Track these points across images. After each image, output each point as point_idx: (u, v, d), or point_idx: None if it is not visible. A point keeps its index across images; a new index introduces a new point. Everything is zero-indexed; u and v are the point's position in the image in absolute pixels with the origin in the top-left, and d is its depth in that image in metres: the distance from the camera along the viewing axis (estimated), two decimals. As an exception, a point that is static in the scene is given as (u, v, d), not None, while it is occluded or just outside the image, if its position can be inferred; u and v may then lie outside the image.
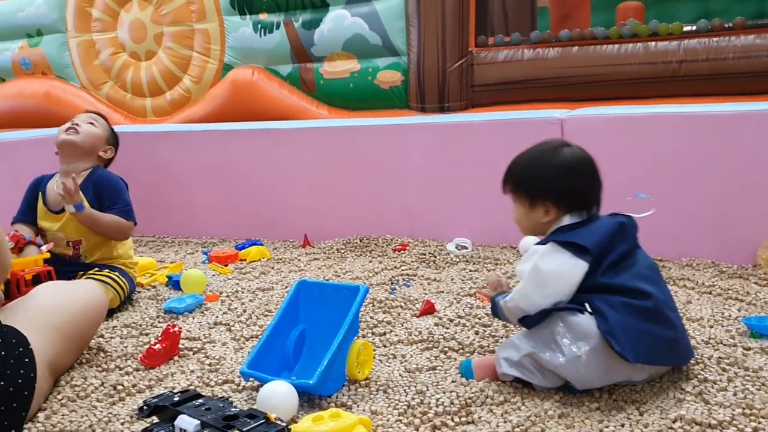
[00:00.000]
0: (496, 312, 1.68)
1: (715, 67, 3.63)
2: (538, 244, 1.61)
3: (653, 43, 3.74)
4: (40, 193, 2.44)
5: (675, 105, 2.78)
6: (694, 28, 3.72)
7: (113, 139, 2.59)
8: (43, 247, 2.31)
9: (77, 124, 2.46)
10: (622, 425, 1.40)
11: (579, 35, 3.77)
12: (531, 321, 1.56)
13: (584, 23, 4.86)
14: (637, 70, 3.73)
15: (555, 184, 1.61)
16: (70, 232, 2.35)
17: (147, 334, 2.06)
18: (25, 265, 2.11)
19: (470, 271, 2.57)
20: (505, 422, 1.43)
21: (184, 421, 1.29)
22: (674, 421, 1.39)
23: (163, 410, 1.37)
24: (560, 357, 1.49)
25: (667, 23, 3.53)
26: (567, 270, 1.53)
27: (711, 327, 1.89)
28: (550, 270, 1.53)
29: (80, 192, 2.28)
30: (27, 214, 2.46)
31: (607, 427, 1.40)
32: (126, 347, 1.95)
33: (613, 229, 1.58)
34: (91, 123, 2.50)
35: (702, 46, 3.64)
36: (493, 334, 1.92)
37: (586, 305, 1.50)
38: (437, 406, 1.51)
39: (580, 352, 1.47)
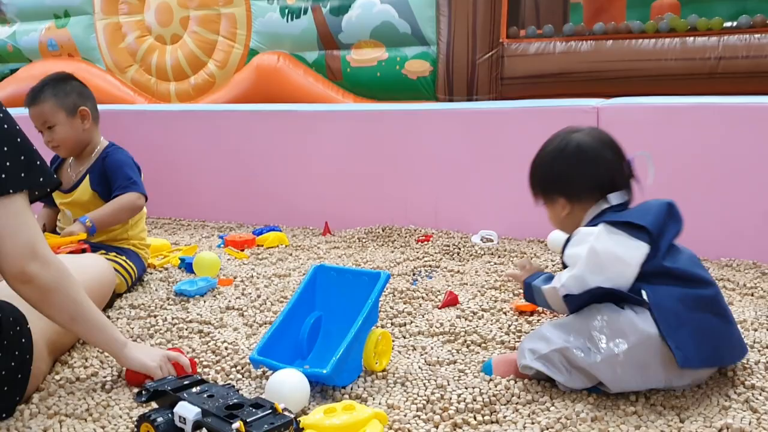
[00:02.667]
0: (531, 296, 1.56)
1: (755, 65, 3.49)
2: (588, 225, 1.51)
3: (691, 38, 3.60)
4: None
5: (717, 97, 2.64)
6: (734, 24, 3.59)
7: (75, 98, 2.29)
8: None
9: (49, 140, 2.28)
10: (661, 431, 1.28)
11: (614, 28, 3.65)
12: (577, 300, 1.42)
13: (619, 18, 4.72)
14: (674, 66, 3.59)
15: (581, 177, 1.54)
16: (78, 211, 2.28)
17: (155, 316, 1.97)
18: (62, 243, 2.04)
19: (495, 264, 2.45)
20: (532, 423, 1.32)
21: (184, 408, 1.20)
22: (720, 430, 1.27)
23: (162, 396, 1.28)
24: (597, 355, 1.37)
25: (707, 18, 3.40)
26: (627, 252, 1.40)
27: (755, 330, 1.76)
28: (608, 251, 1.40)
29: (71, 232, 2.14)
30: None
31: (637, 429, 1.28)
32: (132, 329, 1.86)
33: (665, 209, 1.48)
34: (50, 127, 2.26)
35: (742, 42, 3.50)
36: (518, 328, 1.81)
37: (643, 293, 1.37)
38: (459, 402, 1.40)
39: (618, 350, 1.35)
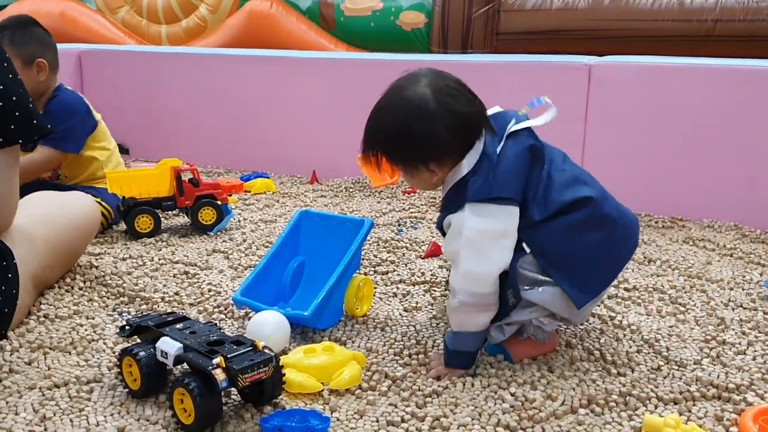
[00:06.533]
0: (457, 348, 1.33)
1: (751, 29, 3.48)
2: (448, 210, 1.34)
3: (689, -1, 3.58)
4: None
5: (705, 58, 2.63)
6: (733, -14, 3.56)
7: (34, 47, 2.20)
8: None
9: None
10: (633, 386, 1.31)
11: (612, -14, 3.62)
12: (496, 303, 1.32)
13: (618, -24, 4.68)
14: (670, 26, 3.58)
15: (427, 142, 1.31)
16: None
17: (141, 256, 1.98)
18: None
19: (481, 218, 2.47)
20: (512, 371, 1.35)
21: (165, 343, 1.21)
22: (688, 384, 1.31)
23: (145, 331, 1.30)
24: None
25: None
26: (501, 225, 1.29)
27: (731, 289, 1.79)
28: (484, 231, 1.28)
29: None
30: None
31: (611, 383, 1.31)
32: (119, 268, 1.87)
33: (526, 161, 1.32)
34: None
35: (740, 5, 3.48)
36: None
37: (523, 245, 1.30)
38: (435, 348, 1.43)
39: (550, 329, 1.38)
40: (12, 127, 1.37)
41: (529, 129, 1.37)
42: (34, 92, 2.21)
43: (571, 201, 1.31)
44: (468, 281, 1.29)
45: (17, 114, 1.37)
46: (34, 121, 1.41)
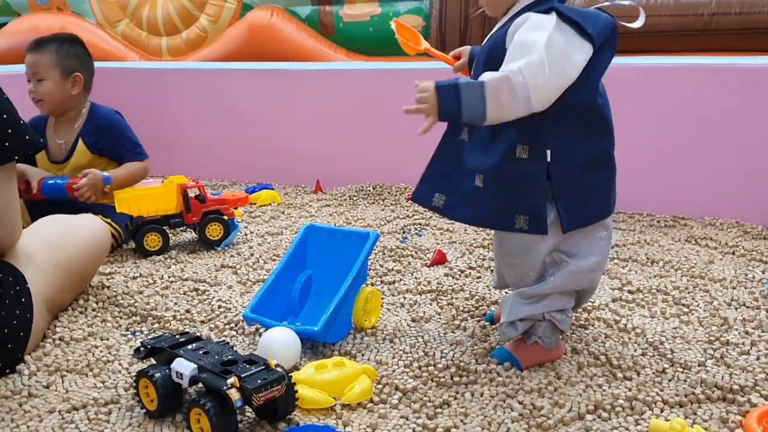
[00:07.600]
0: (456, 100, 1.29)
1: (747, 22, 3.49)
2: (523, 11, 1.29)
3: (685, -7, 3.60)
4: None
5: (703, 56, 2.66)
6: (729, -21, 3.57)
7: (75, 62, 2.29)
8: None
9: (32, 91, 2.25)
10: (639, 390, 1.33)
11: (608, -17, 3.63)
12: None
13: (614, -27, 4.69)
14: (666, 22, 3.59)
15: None
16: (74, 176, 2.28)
17: (152, 274, 2.01)
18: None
19: (485, 222, 2.50)
20: (520, 379, 1.37)
21: (180, 364, 1.24)
22: (692, 386, 1.33)
23: (160, 352, 1.32)
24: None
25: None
26: (574, 51, 1.24)
27: (734, 288, 1.81)
28: (563, 43, 1.23)
29: (96, 176, 2.18)
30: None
31: (617, 388, 1.34)
32: (130, 287, 1.90)
33: (611, 26, 1.28)
34: (40, 79, 2.24)
35: (735, -2, 3.50)
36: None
37: (547, 153, 1.30)
38: (443, 358, 1.45)
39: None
40: (6, 144, 1.40)
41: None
42: (63, 104, 2.29)
43: (605, 117, 1.34)
44: (536, 74, 1.22)
45: (10, 131, 1.40)
46: (27, 137, 1.44)
